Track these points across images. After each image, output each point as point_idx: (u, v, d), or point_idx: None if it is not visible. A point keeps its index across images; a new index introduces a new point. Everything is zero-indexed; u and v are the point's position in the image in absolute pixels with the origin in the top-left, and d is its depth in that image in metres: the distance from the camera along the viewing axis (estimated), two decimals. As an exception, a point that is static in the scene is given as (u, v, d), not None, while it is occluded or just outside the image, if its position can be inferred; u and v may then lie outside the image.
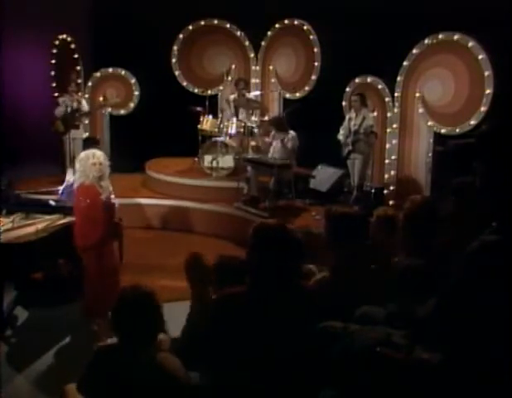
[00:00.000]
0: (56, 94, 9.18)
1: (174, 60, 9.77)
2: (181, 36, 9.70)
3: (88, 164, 4.73)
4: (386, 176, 8.10)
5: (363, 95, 7.72)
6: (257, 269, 2.64)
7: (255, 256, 2.65)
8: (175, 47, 9.73)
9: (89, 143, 8.53)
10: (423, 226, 2.74)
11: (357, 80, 8.29)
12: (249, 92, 9.25)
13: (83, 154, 4.90)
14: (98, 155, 4.82)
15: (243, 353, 2.53)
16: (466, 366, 1.98)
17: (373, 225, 3.67)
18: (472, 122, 7.12)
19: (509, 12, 6.10)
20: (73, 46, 9.55)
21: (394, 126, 7.98)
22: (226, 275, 3.14)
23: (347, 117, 7.81)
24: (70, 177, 6.79)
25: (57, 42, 9.55)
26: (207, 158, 8.53)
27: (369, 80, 8.16)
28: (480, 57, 7.04)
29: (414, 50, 7.67)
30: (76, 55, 9.55)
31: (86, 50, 9.67)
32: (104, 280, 4.80)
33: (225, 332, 2.58)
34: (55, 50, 9.58)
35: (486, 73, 6.97)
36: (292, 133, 7.79)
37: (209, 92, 9.35)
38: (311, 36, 9.02)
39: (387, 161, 8.08)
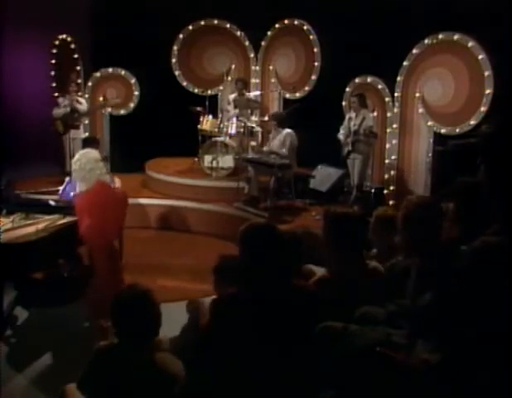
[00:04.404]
0: (56, 94, 9.19)
1: (174, 60, 9.76)
2: (181, 36, 9.70)
3: (99, 162, 4.86)
4: (386, 176, 8.10)
5: (362, 96, 7.71)
6: (247, 270, 2.64)
7: (245, 257, 2.66)
8: (175, 47, 9.73)
9: (89, 142, 8.52)
10: (421, 226, 2.74)
11: (357, 80, 8.29)
12: (249, 92, 9.26)
13: (94, 153, 4.94)
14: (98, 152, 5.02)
15: (242, 353, 2.53)
16: (466, 366, 1.98)
17: (372, 226, 3.67)
18: (472, 122, 7.12)
19: (509, 12, 6.10)
20: (73, 46, 9.55)
21: (394, 126, 7.97)
22: (228, 275, 3.14)
23: (347, 116, 7.81)
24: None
25: (57, 42, 9.56)
26: (207, 158, 8.53)
27: (369, 80, 8.16)
28: (480, 57, 7.03)
29: (414, 50, 7.66)
30: (76, 55, 9.55)
31: (86, 50, 9.67)
32: (115, 276, 4.88)
33: (221, 333, 2.58)
34: (55, 50, 9.58)
35: (486, 73, 6.97)
36: (288, 130, 7.82)
37: (209, 92, 9.35)
38: (311, 36, 9.01)
39: (387, 161, 8.08)
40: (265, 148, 8.19)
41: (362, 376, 2.29)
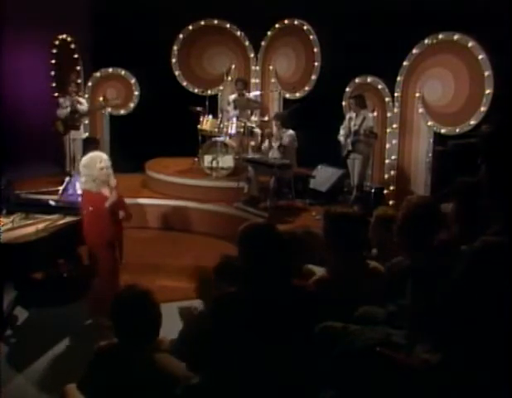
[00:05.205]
0: (56, 95, 9.19)
1: (174, 60, 9.77)
2: (181, 36, 9.70)
3: (96, 169, 4.83)
4: (386, 176, 8.10)
5: (361, 97, 7.70)
6: (247, 270, 2.64)
7: (244, 257, 2.66)
8: (175, 47, 9.74)
9: (89, 143, 8.53)
10: (421, 226, 2.73)
11: (357, 80, 8.29)
12: (249, 92, 9.26)
13: (89, 159, 4.92)
14: (104, 158, 4.94)
15: (241, 353, 2.53)
16: (466, 366, 1.98)
17: (372, 226, 3.67)
18: (472, 122, 7.12)
19: (509, 12, 6.10)
20: (73, 46, 9.56)
21: (394, 126, 7.98)
22: (228, 276, 3.14)
23: (347, 117, 7.81)
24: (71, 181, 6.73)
25: (57, 42, 9.57)
26: (207, 158, 8.53)
27: (369, 80, 8.16)
28: (480, 57, 7.04)
29: (414, 50, 7.67)
30: (76, 55, 9.57)
31: (86, 50, 9.68)
32: (115, 276, 4.93)
33: (221, 333, 2.58)
34: (55, 50, 9.59)
35: (486, 73, 6.97)
36: (290, 131, 7.83)
37: (209, 92, 9.35)
38: (311, 36, 9.02)
39: (387, 161, 8.08)
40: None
41: (362, 376, 2.28)
